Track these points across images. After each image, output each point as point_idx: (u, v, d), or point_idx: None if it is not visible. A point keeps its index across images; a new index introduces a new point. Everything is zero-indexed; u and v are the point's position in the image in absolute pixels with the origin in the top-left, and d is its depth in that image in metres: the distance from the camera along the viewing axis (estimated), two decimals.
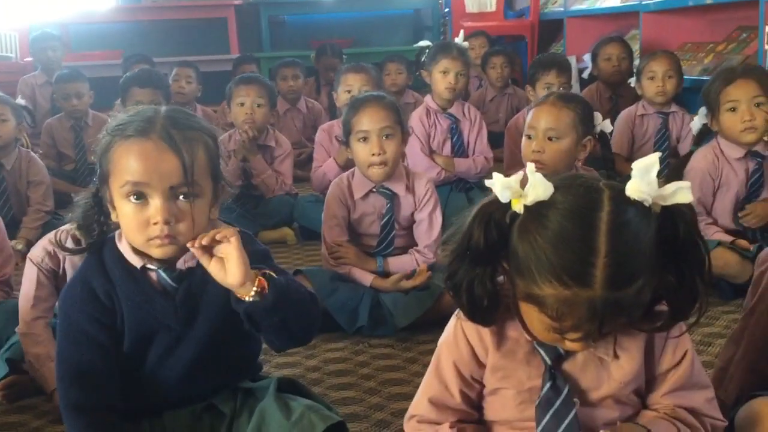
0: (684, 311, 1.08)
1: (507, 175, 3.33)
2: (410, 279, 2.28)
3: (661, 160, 3.48)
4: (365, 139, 2.26)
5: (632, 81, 3.58)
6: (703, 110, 2.54)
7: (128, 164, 1.25)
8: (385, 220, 2.33)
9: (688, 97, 3.83)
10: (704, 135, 2.59)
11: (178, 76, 4.40)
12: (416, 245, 2.37)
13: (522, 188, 1.05)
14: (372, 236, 2.36)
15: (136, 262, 1.33)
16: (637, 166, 1.02)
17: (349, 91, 3.31)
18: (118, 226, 1.34)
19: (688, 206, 1.04)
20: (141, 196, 1.26)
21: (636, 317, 1.06)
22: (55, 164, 4.10)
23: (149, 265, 1.33)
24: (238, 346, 1.42)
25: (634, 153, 3.51)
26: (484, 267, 1.07)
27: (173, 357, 1.36)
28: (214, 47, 6.16)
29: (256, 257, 1.30)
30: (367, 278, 2.30)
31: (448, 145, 3.38)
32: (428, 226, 2.34)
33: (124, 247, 1.34)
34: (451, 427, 1.18)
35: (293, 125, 4.64)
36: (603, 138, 2.31)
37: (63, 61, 5.04)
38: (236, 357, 1.41)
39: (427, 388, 1.22)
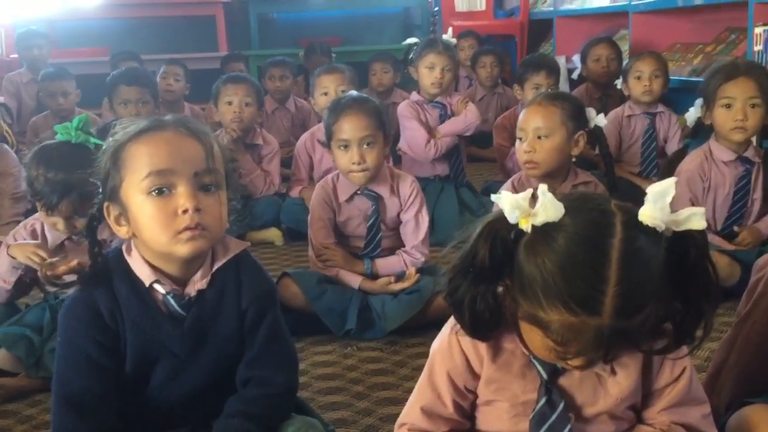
0: (688, 335, 1.06)
1: (501, 168, 3.29)
2: (399, 282, 2.26)
3: (649, 161, 3.53)
4: (345, 147, 2.25)
5: (618, 82, 3.58)
6: (699, 102, 2.54)
7: (148, 156, 1.21)
8: (371, 222, 2.31)
9: (676, 97, 3.84)
10: (699, 128, 2.59)
11: (166, 73, 4.36)
12: (404, 246, 2.35)
13: (530, 206, 1.02)
14: (359, 238, 2.34)
15: (147, 277, 1.26)
16: (652, 191, 1.00)
17: (325, 94, 3.30)
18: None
19: (701, 232, 1.01)
20: (164, 189, 1.20)
21: (641, 342, 1.04)
22: None
23: (157, 287, 1.27)
24: None
25: (622, 154, 3.51)
26: (487, 284, 1.05)
27: (176, 383, 1.31)
28: (203, 45, 6.11)
29: (260, 302, 1.32)
30: (355, 280, 2.28)
31: None
32: (415, 227, 2.32)
33: (134, 261, 1.27)
34: None
35: (281, 124, 4.61)
36: (598, 132, 2.30)
37: (49, 58, 4.98)
38: (245, 379, 1.35)
39: (419, 396, 1.20)
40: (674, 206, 1.01)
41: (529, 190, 1.05)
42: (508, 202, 1.03)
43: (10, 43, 5.72)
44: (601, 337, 0.98)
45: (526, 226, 1.02)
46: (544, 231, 1.00)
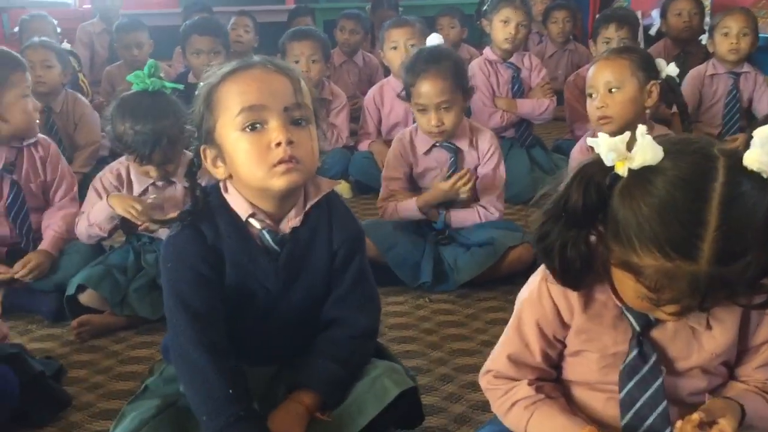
0: None
1: (570, 131, 3.25)
2: (461, 181, 2.21)
3: (732, 123, 3.39)
4: (424, 109, 2.24)
5: (704, 38, 3.44)
6: None
7: (239, 93, 1.23)
8: (449, 174, 2.29)
9: (761, 57, 3.67)
10: None
11: (236, 24, 4.37)
12: (478, 201, 2.33)
13: (628, 150, 0.99)
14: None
15: (244, 211, 1.29)
16: (759, 134, 0.95)
17: (394, 48, 3.26)
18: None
19: None
20: (256, 125, 1.23)
21: (739, 293, 1.01)
22: None
23: (253, 222, 1.29)
24: None
25: (701, 114, 3.39)
26: (579, 230, 1.02)
27: (268, 319, 1.34)
28: None
29: (350, 243, 1.35)
30: (411, 204, 2.26)
31: (510, 95, 3.31)
32: (491, 181, 2.30)
33: (231, 198, 1.30)
34: (529, 384, 1.16)
35: (348, 78, 4.58)
36: (671, 83, 2.22)
37: (121, 8, 5.05)
38: (330, 319, 1.38)
39: (506, 344, 1.19)
40: None
41: (627, 133, 1.02)
42: (605, 144, 1.00)
43: None
44: (697, 284, 0.95)
45: (622, 169, 0.99)
46: (641, 174, 0.98)
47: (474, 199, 2.33)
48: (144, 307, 1.98)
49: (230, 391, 1.23)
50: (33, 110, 2.19)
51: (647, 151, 0.97)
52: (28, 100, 2.16)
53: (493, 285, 2.21)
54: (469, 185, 2.21)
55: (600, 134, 1.02)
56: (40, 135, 2.29)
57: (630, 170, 0.99)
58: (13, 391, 1.45)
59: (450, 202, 2.30)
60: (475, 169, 2.32)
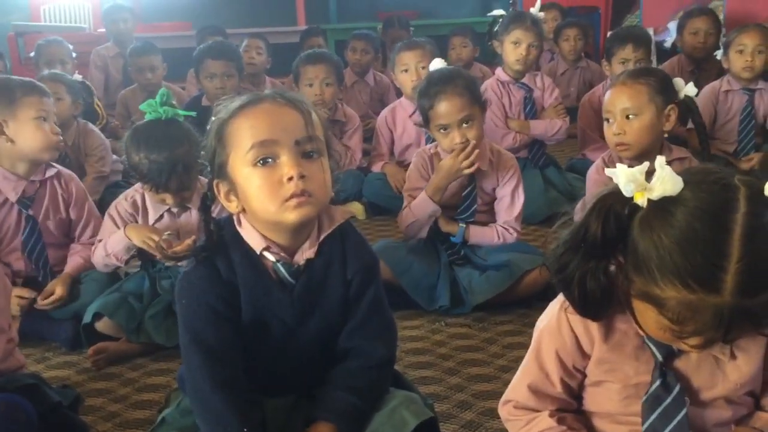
0: None
1: (581, 151, 3.22)
2: (462, 155, 2.20)
3: (747, 140, 3.37)
4: (445, 129, 2.23)
5: (719, 53, 3.42)
6: None
7: (250, 128, 1.24)
8: (467, 190, 2.29)
9: None
10: None
11: (249, 47, 4.40)
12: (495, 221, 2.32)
13: (646, 180, 0.98)
14: (453, 209, 2.31)
15: (258, 244, 1.28)
16: None
17: (405, 70, 3.26)
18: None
19: None
20: (268, 159, 1.23)
21: (764, 323, 0.99)
22: None
23: (267, 255, 1.29)
24: None
25: (716, 130, 3.37)
26: (598, 261, 1.02)
27: (285, 351, 1.34)
28: (281, 19, 6.15)
29: (364, 272, 1.34)
30: (422, 197, 2.24)
31: (522, 116, 3.30)
32: (510, 203, 2.29)
33: (245, 231, 1.30)
34: (550, 415, 1.15)
35: (360, 98, 4.60)
36: (689, 103, 2.21)
37: (134, 32, 5.10)
38: (346, 349, 1.37)
39: (526, 374, 1.18)
40: None
41: (646, 163, 1.01)
42: (623, 175, 0.99)
43: (97, 17, 5.89)
44: (720, 317, 0.94)
45: (641, 200, 0.99)
46: (661, 205, 0.97)
47: (492, 219, 2.32)
48: (159, 333, 1.98)
49: (245, 429, 1.22)
50: (51, 133, 2.16)
51: (667, 182, 0.97)
52: (42, 124, 2.14)
53: (509, 308, 2.19)
54: (470, 158, 2.19)
55: (618, 165, 1.02)
56: (66, 171, 2.30)
57: (650, 200, 0.98)
58: (32, 422, 1.44)
59: (469, 217, 2.29)
60: (493, 190, 2.31)
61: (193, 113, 2.10)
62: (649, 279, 0.96)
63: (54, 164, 2.27)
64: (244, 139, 1.24)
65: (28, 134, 2.13)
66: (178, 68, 4.74)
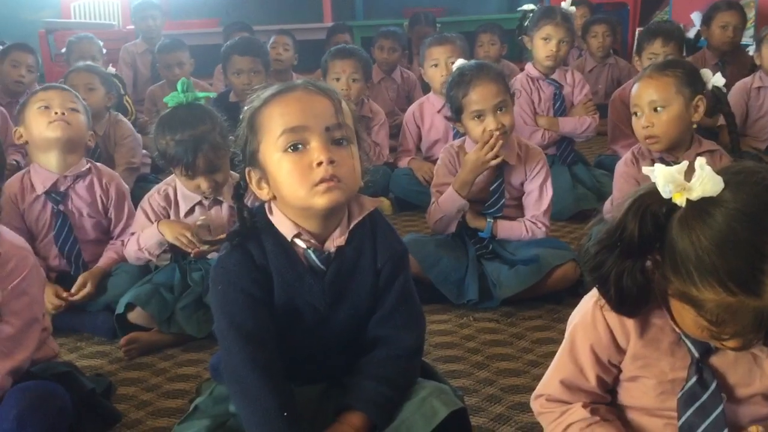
0: None
1: (611, 147, 3.19)
2: (486, 146, 2.19)
3: None
4: (480, 116, 2.22)
5: (751, 49, 3.38)
6: None
7: (281, 115, 1.25)
8: (495, 184, 2.28)
9: None
10: None
11: (276, 43, 4.42)
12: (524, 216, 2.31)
13: (686, 179, 0.97)
14: (481, 203, 2.31)
15: (289, 231, 1.30)
16: None
17: (435, 65, 3.26)
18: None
19: None
20: (298, 145, 1.24)
21: None
22: None
23: (298, 242, 1.30)
24: None
25: (748, 127, 3.33)
26: (635, 260, 1.01)
27: (315, 337, 1.35)
28: (308, 15, 6.17)
29: (394, 262, 1.35)
30: (449, 191, 2.24)
31: (552, 112, 3.28)
32: (538, 197, 2.29)
33: (276, 218, 1.31)
34: (584, 406, 1.14)
35: (387, 95, 4.60)
36: (718, 93, 2.18)
37: (163, 29, 5.15)
38: (374, 338, 1.38)
39: (559, 369, 1.17)
40: None
41: (685, 163, 1.00)
42: (662, 175, 0.98)
43: (126, 14, 5.94)
44: (761, 320, 0.93)
45: (680, 200, 0.97)
46: (701, 206, 0.96)
47: (521, 214, 2.32)
48: (191, 324, 2.00)
49: (285, 413, 1.23)
50: (52, 114, 2.18)
51: (707, 182, 0.96)
52: (43, 110, 2.18)
53: (537, 303, 2.18)
54: (495, 149, 2.19)
55: (657, 165, 1.00)
56: (107, 170, 2.32)
57: (689, 200, 0.97)
58: (67, 408, 1.47)
59: (497, 212, 2.29)
60: (521, 185, 2.31)
61: (213, 94, 2.13)
62: (687, 280, 0.96)
63: (92, 161, 2.30)
64: (275, 125, 1.25)
65: (33, 122, 2.20)
66: (205, 65, 4.78)
